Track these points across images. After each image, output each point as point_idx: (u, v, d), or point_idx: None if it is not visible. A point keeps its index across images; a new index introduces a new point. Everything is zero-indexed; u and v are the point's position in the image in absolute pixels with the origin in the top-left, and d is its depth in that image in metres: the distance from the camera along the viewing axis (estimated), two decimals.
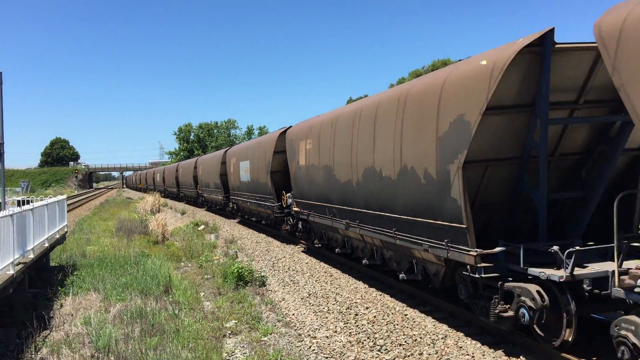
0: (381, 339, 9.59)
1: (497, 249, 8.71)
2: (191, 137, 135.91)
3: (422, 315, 10.98)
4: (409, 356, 8.74)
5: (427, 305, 11.65)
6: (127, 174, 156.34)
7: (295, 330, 10.50)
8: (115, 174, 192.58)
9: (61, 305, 12.01)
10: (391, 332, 9.94)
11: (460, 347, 8.92)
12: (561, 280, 7.65)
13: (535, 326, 8.17)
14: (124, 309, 10.90)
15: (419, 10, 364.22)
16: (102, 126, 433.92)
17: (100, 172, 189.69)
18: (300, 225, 19.74)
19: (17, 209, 11.86)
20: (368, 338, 9.68)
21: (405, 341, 9.40)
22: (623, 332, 6.78)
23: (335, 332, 10.17)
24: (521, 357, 8.49)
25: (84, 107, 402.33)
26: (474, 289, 9.37)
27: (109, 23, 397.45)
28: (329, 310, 11.68)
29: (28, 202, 17.76)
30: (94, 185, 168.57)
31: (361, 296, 12.66)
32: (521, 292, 8.20)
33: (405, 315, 10.98)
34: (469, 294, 9.47)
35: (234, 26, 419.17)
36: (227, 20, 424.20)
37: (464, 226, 8.76)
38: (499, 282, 8.60)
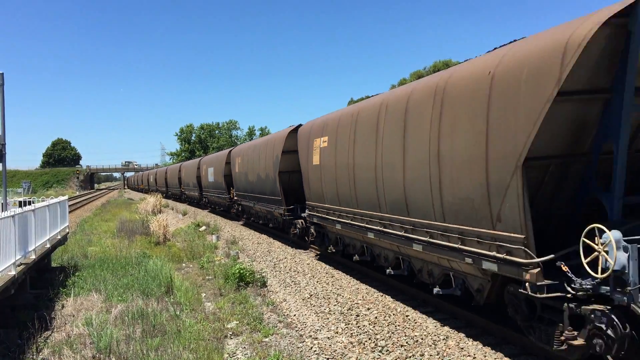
0: (382, 340, 9.59)
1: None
2: (192, 138, 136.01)
3: (424, 316, 10.97)
4: (410, 357, 8.73)
5: (428, 307, 11.64)
6: (128, 174, 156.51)
7: (296, 331, 10.49)
8: (117, 174, 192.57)
9: (62, 306, 12.01)
10: (392, 333, 9.94)
11: (462, 348, 8.92)
12: None
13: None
14: (125, 310, 10.90)
15: (421, 12, 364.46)
16: (104, 127, 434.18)
17: (102, 173, 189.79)
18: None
19: (18, 210, 11.87)
20: (369, 339, 9.67)
21: (407, 342, 9.40)
22: None
23: (337, 333, 10.17)
24: (522, 358, 8.48)
25: (85, 108, 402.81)
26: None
27: (111, 24, 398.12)
28: (330, 311, 11.68)
29: (30, 203, 17.77)
30: (95, 186, 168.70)
31: (362, 297, 12.65)
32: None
33: (407, 316, 10.97)
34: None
35: (235, 28, 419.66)
36: (229, 21, 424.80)
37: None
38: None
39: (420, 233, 10.31)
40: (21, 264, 11.48)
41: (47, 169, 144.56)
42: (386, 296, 12.71)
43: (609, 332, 6.74)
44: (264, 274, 15.11)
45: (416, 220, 10.48)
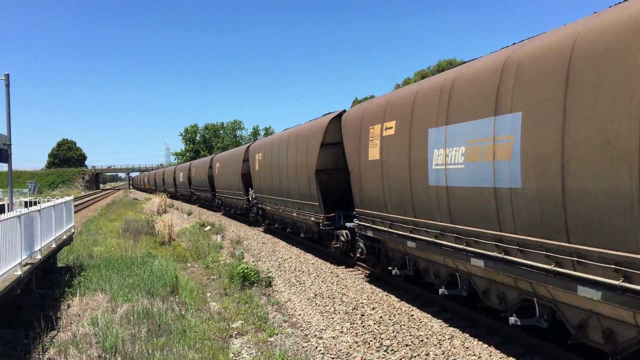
0: (387, 339, 9.58)
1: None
2: (197, 137, 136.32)
3: (429, 315, 10.96)
4: (415, 357, 8.72)
5: (433, 306, 11.62)
6: (133, 174, 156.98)
7: (301, 330, 10.50)
8: (122, 175, 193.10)
9: (68, 306, 12.06)
10: (397, 332, 9.93)
11: (467, 348, 8.90)
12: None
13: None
14: (130, 310, 10.93)
15: (425, 11, 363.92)
16: (109, 127, 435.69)
17: (107, 173, 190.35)
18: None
19: (24, 210, 11.91)
20: (374, 338, 9.67)
21: (412, 342, 9.39)
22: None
23: (342, 332, 10.16)
24: (527, 357, 8.46)
25: (90, 109, 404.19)
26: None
27: (115, 25, 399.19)
28: (335, 310, 11.68)
29: (35, 203, 17.84)
30: (101, 186, 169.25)
31: (367, 297, 12.64)
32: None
33: (412, 315, 10.96)
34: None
35: (239, 27, 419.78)
36: (233, 21, 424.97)
37: None
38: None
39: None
40: (27, 264, 11.52)
41: (53, 170, 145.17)
42: (391, 296, 12.70)
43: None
44: (269, 274, 15.12)
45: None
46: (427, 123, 10.01)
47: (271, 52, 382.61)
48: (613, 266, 6.07)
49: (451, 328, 10.03)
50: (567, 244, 6.71)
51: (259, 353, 9.06)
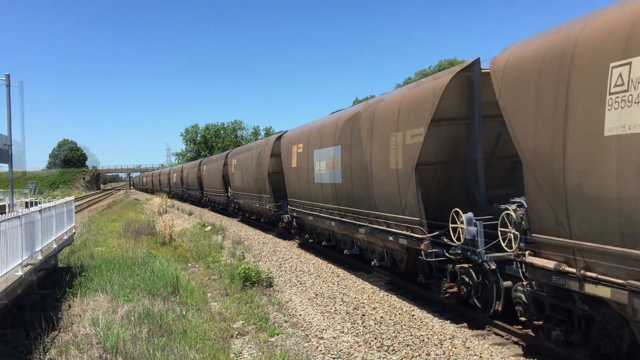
0: (388, 339, 9.58)
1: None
2: (198, 138, 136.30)
3: (430, 315, 10.96)
4: (416, 356, 8.72)
5: (434, 306, 11.62)
6: (134, 175, 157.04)
7: (302, 330, 10.50)
8: (123, 175, 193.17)
9: (69, 306, 12.06)
10: (398, 332, 9.93)
11: (468, 348, 8.90)
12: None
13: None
14: (131, 310, 10.93)
15: (425, 11, 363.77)
16: (110, 128, 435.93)
17: (108, 174, 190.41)
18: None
19: (25, 211, 11.92)
20: (375, 338, 9.66)
21: (413, 341, 9.39)
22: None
23: (342, 332, 10.16)
24: (528, 357, 8.47)
25: (91, 109, 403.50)
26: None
27: (115, 25, 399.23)
28: (336, 310, 11.68)
29: (36, 204, 17.85)
30: (102, 186, 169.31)
31: (368, 297, 12.64)
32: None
33: (413, 315, 10.96)
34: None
35: (240, 27, 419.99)
36: (233, 21, 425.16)
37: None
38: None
39: None
40: (28, 264, 11.52)
41: (54, 170, 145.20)
42: (392, 295, 12.70)
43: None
44: (269, 274, 15.12)
45: None
46: (314, 147, 17.81)
47: (272, 52, 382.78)
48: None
49: (452, 327, 10.03)
50: (354, 208, 14.62)
51: (260, 353, 9.06)
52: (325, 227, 17.99)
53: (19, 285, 10.37)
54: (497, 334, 9.58)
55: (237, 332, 10.29)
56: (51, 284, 13.99)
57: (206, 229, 28.92)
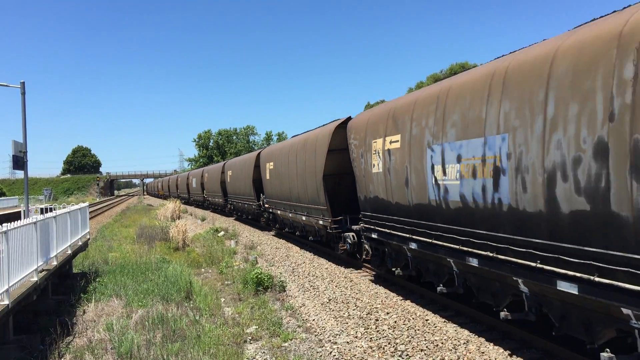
0: (402, 344, 9.52)
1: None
2: (210, 143, 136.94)
3: (444, 320, 10.88)
4: None
5: (448, 311, 11.54)
6: (147, 181, 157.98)
7: (315, 335, 10.47)
8: (136, 181, 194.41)
9: (84, 312, 12.13)
10: (412, 337, 9.87)
11: (483, 353, 8.82)
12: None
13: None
14: (145, 315, 10.97)
15: (436, 14, 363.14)
16: (123, 134, 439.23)
17: (122, 180, 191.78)
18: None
19: (40, 217, 12.02)
20: (389, 343, 9.61)
21: (427, 346, 9.32)
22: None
23: (356, 337, 10.12)
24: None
25: (105, 116, 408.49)
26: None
27: (129, 32, 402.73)
28: (349, 315, 11.64)
29: (51, 210, 18.00)
30: (115, 192, 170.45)
31: (381, 301, 12.59)
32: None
33: (427, 320, 10.89)
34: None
35: (253, 32, 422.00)
36: (246, 26, 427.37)
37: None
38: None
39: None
40: (43, 270, 11.62)
41: (68, 176, 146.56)
42: (405, 300, 12.63)
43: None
44: (282, 279, 15.11)
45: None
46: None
47: (284, 57, 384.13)
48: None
49: (466, 332, 9.95)
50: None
51: (274, 358, 9.05)
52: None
53: (34, 290, 10.45)
54: (511, 339, 9.47)
55: (250, 337, 10.28)
56: (66, 290, 14.09)
57: (219, 234, 28.98)
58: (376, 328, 10.57)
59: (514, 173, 7.86)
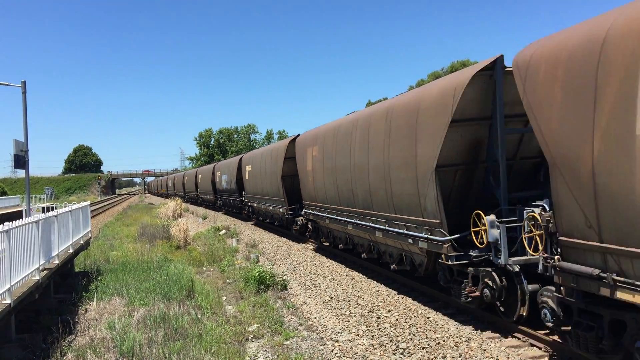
0: (404, 342, 9.53)
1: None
2: (211, 142, 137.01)
3: (445, 318, 10.89)
4: (432, 359, 8.66)
5: (449, 308, 11.54)
6: (149, 179, 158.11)
7: (317, 333, 10.48)
8: (138, 179, 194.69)
9: (86, 310, 12.15)
10: (414, 335, 9.87)
11: (484, 350, 8.82)
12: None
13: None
14: (147, 314, 10.99)
15: (437, 12, 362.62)
16: (124, 132, 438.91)
17: (123, 179, 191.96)
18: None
19: (41, 216, 12.03)
20: (390, 341, 9.62)
21: (429, 344, 9.33)
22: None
23: (358, 335, 10.13)
24: (545, 359, 8.38)
25: (106, 114, 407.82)
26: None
27: (129, 31, 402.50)
28: (350, 313, 11.65)
29: (52, 209, 18.03)
30: (117, 191, 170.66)
31: (383, 299, 12.59)
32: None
33: (428, 318, 10.90)
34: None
35: (254, 31, 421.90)
36: (248, 25, 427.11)
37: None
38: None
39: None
40: (45, 269, 11.63)
41: (69, 175, 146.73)
42: (407, 298, 12.64)
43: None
44: (284, 277, 15.12)
45: None
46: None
47: (285, 55, 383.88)
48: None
49: (468, 330, 9.96)
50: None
51: (275, 356, 9.06)
52: None
53: (36, 289, 10.47)
54: (513, 336, 9.48)
55: (252, 336, 10.29)
56: (68, 288, 14.12)
57: (220, 233, 29.00)
58: (378, 326, 10.58)
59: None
